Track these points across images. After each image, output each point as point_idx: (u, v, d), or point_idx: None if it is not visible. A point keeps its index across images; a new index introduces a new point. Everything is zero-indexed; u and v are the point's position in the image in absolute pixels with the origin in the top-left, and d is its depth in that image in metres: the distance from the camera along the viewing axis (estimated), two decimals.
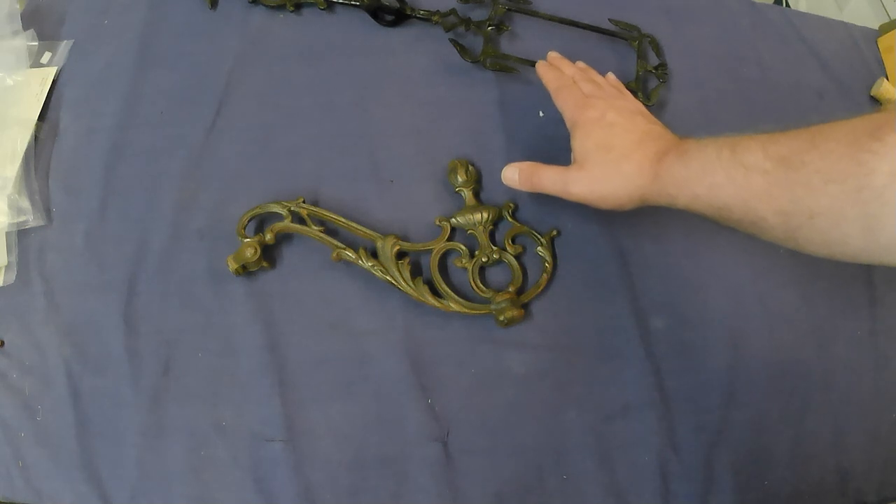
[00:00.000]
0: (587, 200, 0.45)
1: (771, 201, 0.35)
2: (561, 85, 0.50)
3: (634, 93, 0.56)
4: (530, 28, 0.61)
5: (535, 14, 0.60)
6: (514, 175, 0.49)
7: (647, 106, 0.56)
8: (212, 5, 0.60)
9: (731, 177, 0.37)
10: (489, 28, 0.58)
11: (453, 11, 0.59)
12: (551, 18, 0.59)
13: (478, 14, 0.60)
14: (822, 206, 0.33)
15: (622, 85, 0.54)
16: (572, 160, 0.47)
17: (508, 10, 0.60)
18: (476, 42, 0.59)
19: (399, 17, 0.59)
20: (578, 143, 0.45)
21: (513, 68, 0.57)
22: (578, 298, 0.52)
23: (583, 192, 0.44)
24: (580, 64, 0.55)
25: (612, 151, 0.43)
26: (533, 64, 0.56)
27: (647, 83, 0.59)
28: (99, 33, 0.60)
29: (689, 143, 0.40)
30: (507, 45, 0.60)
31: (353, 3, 0.59)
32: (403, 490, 0.47)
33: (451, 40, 0.57)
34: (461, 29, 0.59)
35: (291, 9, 0.59)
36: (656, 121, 0.46)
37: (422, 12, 0.59)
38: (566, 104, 0.48)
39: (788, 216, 0.35)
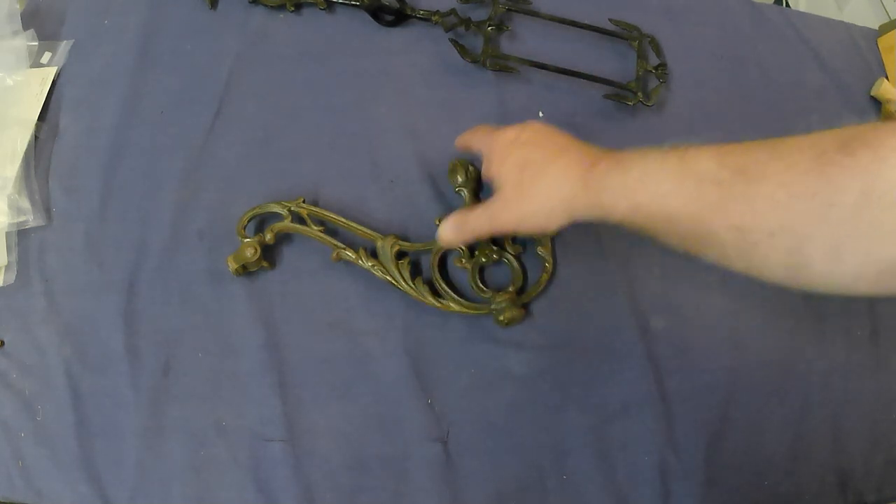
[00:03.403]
0: (514, 228, 0.41)
1: (725, 215, 0.32)
2: (473, 130, 0.48)
3: (634, 93, 0.56)
4: (530, 28, 0.61)
5: (535, 14, 0.60)
6: (448, 232, 0.45)
7: (646, 106, 0.56)
8: (212, 5, 0.60)
9: (680, 185, 0.33)
10: (489, 28, 0.58)
11: (453, 11, 0.59)
12: (551, 18, 0.59)
13: (478, 14, 0.60)
14: (785, 223, 0.30)
15: None
16: (493, 190, 0.43)
17: (508, 9, 0.59)
18: (476, 42, 0.59)
19: (399, 17, 0.59)
20: (495, 170, 0.42)
21: (513, 68, 0.57)
22: (578, 298, 0.52)
23: (507, 219, 0.41)
24: None
25: (529, 167, 0.39)
26: (533, 64, 0.56)
27: (647, 83, 0.59)
28: (99, 33, 0.60)
29: (626, 152, 0.37)
30: (507, 45, 0.60)
31: (353, 3, 0.59)
32: (403, 490, 0.47)
33: (451, 40, 0.57)
34: (461, 29, 0.59)
35: (291, 9, 0.59)
36: (578, 140, 0.42)
37: (422, 12, 0.59)
38: (480, 140, 0.46)
39: (744, 232, 0.31)
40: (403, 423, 0.48)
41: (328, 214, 0.51)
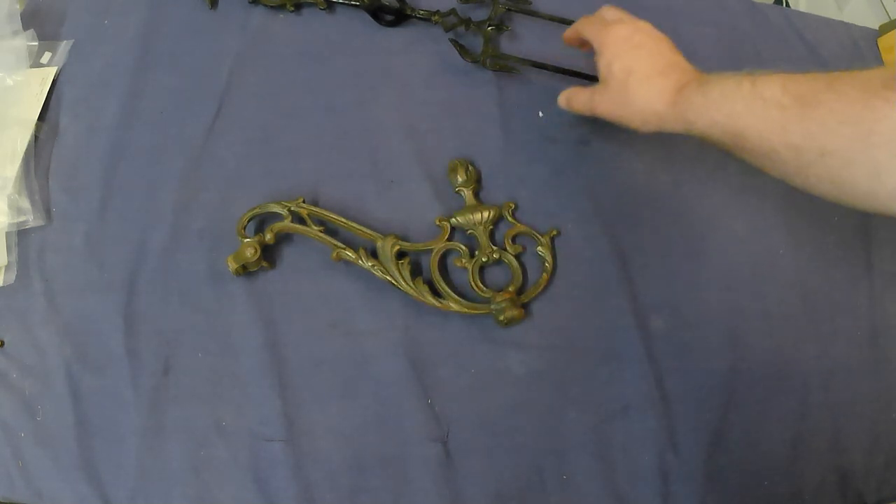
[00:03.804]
0: (609, 118, 0.47)
1: (785, 135, 0.36)
2: (585, 17, 0.51)
3: None
4: (530, 28, 0.61)
5: (535, 14, 0.59)
6: (561, 100, 0.51)
7: None
8: (212, 5, 0.60)
9: (750, 107, 0.38)
10: (489, 28, 0.57)
11: (453, 11, 0.59)
12: (551, 18, 0.59)
13: (478, 14, 0.60)
14: (833, 146, 0.34)
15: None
16: (600, 79, 0.48)
17: (508, 9, 0.59)
18: (476, 42, 0.58)
19: (399, 17, 0.59)
20: (605, 63, 0.46)
21: (513, 68, 0.57)
22: (578, 298, 0.52)
23: (606, 110, 0.46)
24: None
25: (635, 74, 0.44)
26: (533, 64, 0.56)
27: None
28: (99, 33, 0.60)
29: (711, 76, 0.42)
30: (507, 46, 0.60)
31: (353, 3, 0.59)
32: (403, 490, 0.47)
33: (451, 40, 0.57)
34: (461, 29, 0.58)
35: (291, 9, 0.59)
36: (680, 53, 0.46)
37: (422, 12, 0.59)
38: (592, 28, 0.49)
39: (800, 152, 0.36)
40: (403, 423, 0.48)
41: (328, 214, 0.51)
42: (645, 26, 0.47)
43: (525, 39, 0.61)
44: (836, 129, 0.34)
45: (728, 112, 0.39)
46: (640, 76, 0.44)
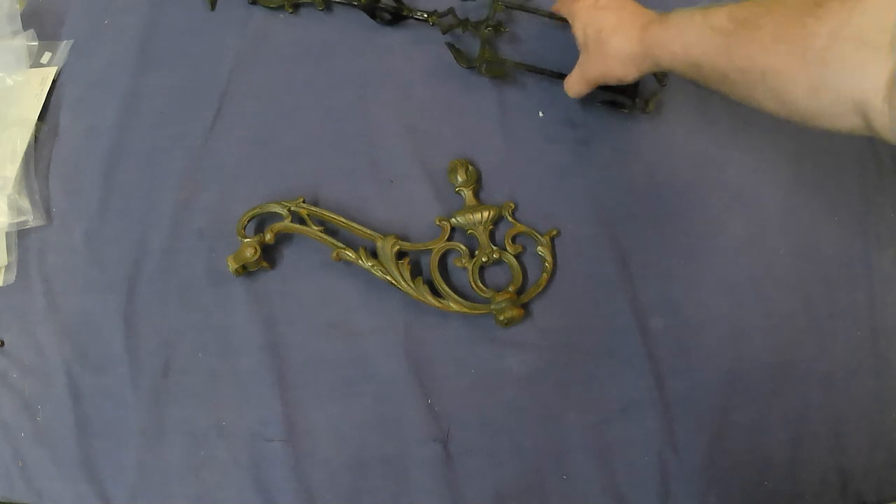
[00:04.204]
0: (601, 78, 0.49)
1: (732, 59, 0.38)
2: None
3: (632, 99, 0.55)
4: (529, 28, 0.61)
5: (535, 12, 0.58)
6: (567, 89, 0.53)
7: (645, 114, 0.56)
8: (212, 6, 0.60)
9: (701, 36, 0.40)
10: (487, 29, 0.56)
11: (451, 11, 0.58)
12: (551, 16, 0.58)
13: (479, 12, 0.59)
14: (772, 65, 0.36)
15: None
16: (579, 50, 0.51)
17: (507, 7, 0.58)
18: (475, 43, 0.58)
19: (396, 17, 0.59)
20: (580, 31, 0.49)
21: (508, 74, 0.56)
22: (578, 298, 0.52)
23: (594, 72, 0.49)
24: None
25: (605, 29, 0.47)
26: (529, 69, 0.56)
27: (646, 86, 0.58)
28: (99, 33, 0.60)
29: (670, 13, 0.44)
30: (505, 47, 0.60)
31: (351, 2, 0.59)
32: (403, 490, 0.47)
33: (448, 44, 0.57)
34: (459, 30, 0.58)
35: (290, 10, 0.59)
36: (640, 6, 0.49)
37: (419, 13, 0.58)
38: (564, 5, 0.53)
39: (745, 73, 0.38)
40: (403, 424, 0.48)
41: (328, 214, 0.51)
42: None
43: (524, 40, 0.60)
44: (774, 49, 0.35)
45: (684, 43, 0.41)
46: (609, 29, 0.47)
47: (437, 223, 0.52)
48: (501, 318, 0.48)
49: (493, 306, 0.49)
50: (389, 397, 0.49)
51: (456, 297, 0.49)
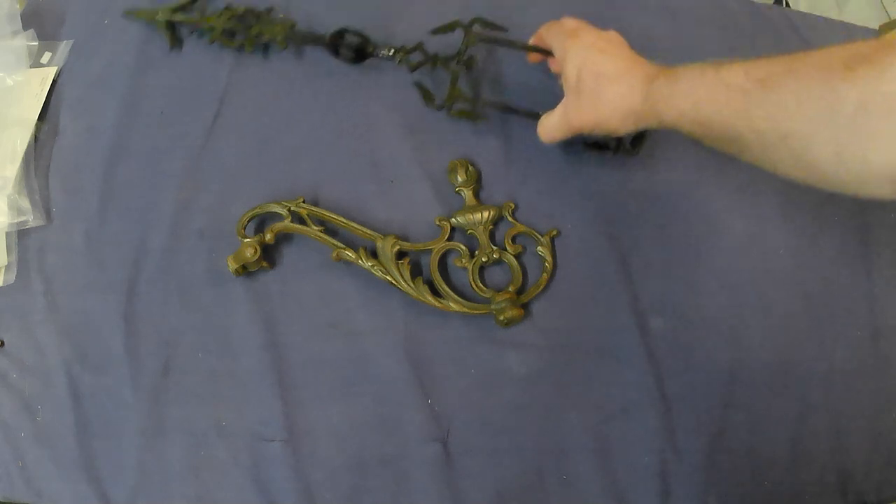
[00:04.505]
0: (587, 126, 0.46)
1: (748, 120, 0.36)
2: (547, 25, 0.51)
3: (618, 140, 0.52)
4: (507, 59, 0.57)
5: (512, 45, 0.54)
6: (541, 133, 0.50)
7: (634, 156, 0.53)
8: (171, 45, 0.58)
9: (713, 94, 0.38)
10: (458, 65, 0.52)
11: (419, 46, 0.54)
12: (526, 48, 0.53)
13: (454, 42, 0.54)
14: (794, 128, 0.34)
15: None
16: (566, 91, 0.47)
17: (482, 41, 0.54)
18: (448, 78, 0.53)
19: (360, 55, 0.55)
20: (573, 70, 0.45)
21: (479, 115, 0.53)
22: (578, 298, 0.52)
23: (582, 119, 0.46)
24: None
25: (605, 75, 0.44)
26: (504, 108, 0.54)
27: None
28: (99, 33, 0.60)
29: (677, 67, 0.42)
30: (478, 83, 0.56)
31: (314, 42, 0.56)
32: (403, 490, 0.47)
33: (416, 83, 0.54)
34: (428, 68, 0.54)
35: (251, 51, 0.57)
36: (640, 55, 0.47)
37: (384, 51, 0.55)
38: (557, 38, 0.48)
39: (763, 135, 0.36)
40: (403, 423, 0.48)
41: (328, 214, 0.51)
42: (605, 33, 0.47)
43: (500, 74, 0.58)
44: (797, 111, 0.34)
45: (694, 101, 0.39)
46: (610, 77, 0.44)
47: (437, 223, 0.52)
48: (501, 318, 0.48)
49: (493, 306, 0.49)
50: (389, 397, 0.49)
51: (456, 297, 0.49)
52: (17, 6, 0.61)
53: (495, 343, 0.50)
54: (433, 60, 0.54)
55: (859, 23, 0.70)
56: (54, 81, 0.58)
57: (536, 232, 0.52)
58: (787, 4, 1.17)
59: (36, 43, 0.59)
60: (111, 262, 0.52)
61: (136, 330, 0.50)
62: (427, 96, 0.54)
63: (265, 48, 0.58)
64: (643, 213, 0.54)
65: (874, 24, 0.70)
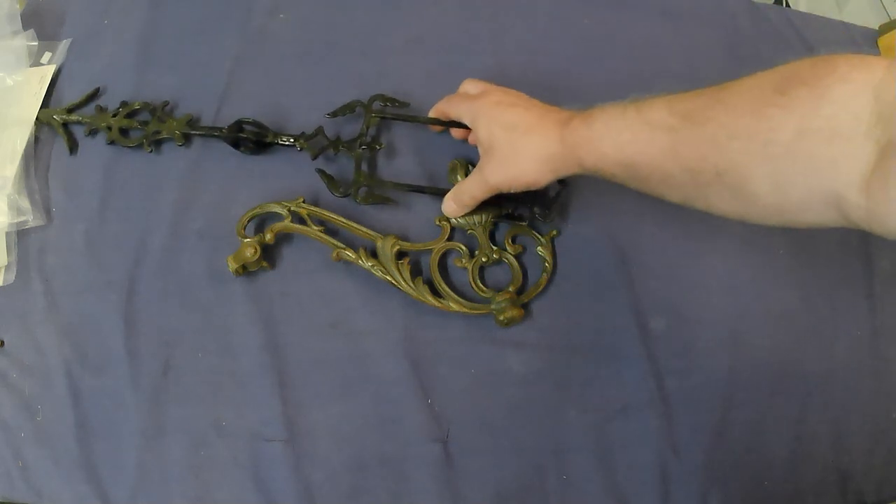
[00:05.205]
0: (506, 184, 0.44)
1: (677, 158, 0.34)
2: (447, 98, 0.50)
3: (530, 208, 0.50)
4: (409, 138, 0.55)
5: (414, 120, 0.53)
6: (449, 207, 0.49)
7: (550, 221, 0.51)
8: (71, 151, 0.55)
9: (637, 134, 0.36)
10: (361, 148, 0.51)
11: (320, 131, 0.53)
12: (428, 122, 0.52)
13: (356, 124, 0.53)
14: (728, 163, 0.32)
15: None
16: (481, 153, 0.46)
17: (383, 118, 0.53)
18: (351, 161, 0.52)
19: (260, 145, 0.53)
20: (484, 130, 0.44)
21: (387, 198, 0.51)
22: (578, 298, 0.52)
23: (500, 176, 0.44)
24: None
25: (519, 128, 0.43)
26: (413, 188, 0.52)
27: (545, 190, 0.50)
28: (99, 33, 0.60)
29: (594, 109, 0.40)
30: (384, 163, 0.54)
31: (212, 134, 0.53)
32: (403, 490, 0.47)
33: (319, 171, 0.51)
34: (331, 152, 0.52)
35: (149, 149, 0.54)
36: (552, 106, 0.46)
37: (283, 138, 0.52)
38: (461, 105, 0.47)
39: (696, 173, 0.34)
40: (403, 423, 0.48)
41: (328, 214, 0.51)
42: (511, 90, 0.46)
43: (404, 153, 0.55)
44: (729, 145, 0.32)
45: (615, 142, 0.37)
46: (522, 128, 0.42)
47: (437, 223, 0.52)
48: (501, 318, 0.48)
49: (493, 306, 0.49)
50: (389, 397, 0.49)
51: (456, 297, 0.49)
52: (17, 6, 0.61)
53: (495, 343, 0.50)
54: (335, 145, 0.52)
55: (859, 23, 0.70)
56: (54, 81, 0.58)
57: (536, 232, 0.52)
58: (787, 4, 1.17)
59: (36, 43, 0.59)
60: (111, 262, 0.52)
61: (135, 330, 0.50)
62: (331, 184, 0.51)
63: (157, 144, 0.55)
64: (643, 213, 0.54)
65: (874, 24, 0.70)
